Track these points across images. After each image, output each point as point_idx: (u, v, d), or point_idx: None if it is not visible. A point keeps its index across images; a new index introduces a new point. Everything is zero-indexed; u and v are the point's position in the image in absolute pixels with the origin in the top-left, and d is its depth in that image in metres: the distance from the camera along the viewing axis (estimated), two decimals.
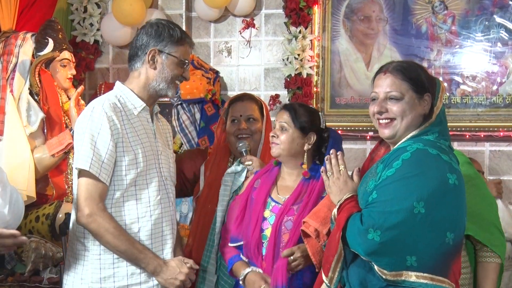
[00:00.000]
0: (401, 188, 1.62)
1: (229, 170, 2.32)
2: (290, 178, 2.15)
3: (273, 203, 2.11)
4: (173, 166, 2.17)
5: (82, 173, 1.92)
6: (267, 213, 2.09)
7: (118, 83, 2.09)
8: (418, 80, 1.77)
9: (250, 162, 2.29)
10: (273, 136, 2.12)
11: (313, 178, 2.11)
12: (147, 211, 1.99)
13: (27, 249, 2.80)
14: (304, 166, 2.12)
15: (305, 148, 2.12)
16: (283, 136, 2.11)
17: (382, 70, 1.82)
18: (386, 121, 1.77)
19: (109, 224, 1.91)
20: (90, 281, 1.96)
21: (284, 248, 2.02)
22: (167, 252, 2.04)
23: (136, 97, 2.03)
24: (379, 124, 1.79)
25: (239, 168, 2.31)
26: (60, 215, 2.81)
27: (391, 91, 1.76)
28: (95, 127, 1.93)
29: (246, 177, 2.29)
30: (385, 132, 1.78)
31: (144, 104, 2.04)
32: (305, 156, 2.12)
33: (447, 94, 3.51)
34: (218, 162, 2.46)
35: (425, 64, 3.53)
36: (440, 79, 3.49)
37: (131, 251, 1.93)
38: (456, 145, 3.53)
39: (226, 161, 2.47)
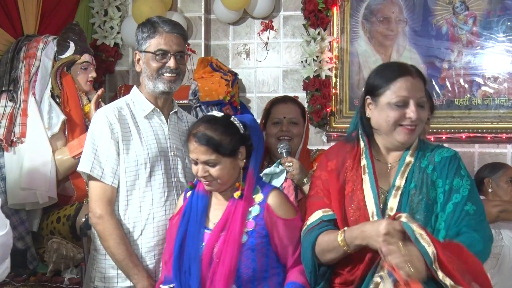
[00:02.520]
0: (478, 196, 1.75)
1: (266, 171, 2.25)
2: (222, 199, 1.90)
3: (205, 231, 1.86)
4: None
5: (89, 176, 1.99)
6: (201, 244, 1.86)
7: (134, 88, 2.14)
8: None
9: (290, 164, 2.24)
10: (203, 176, 1.82)
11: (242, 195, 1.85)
12: (150, 213, 2.02)
13: (48, 249, 2.86)
14: (237, 184, 1.86)
15: (241, 165, 1.87)
16: (215, 172, 1.81)
17: (407, 72, 1.73)
18: (413, 127, 1.74)
19: (114, 230, 1.95)
20: (96, 280, 2.03)
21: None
22: None
23: (146, 100, 2.07)
24: (403, 129, 1.73)
25: (277, 169, 2.25)
26: (81, 216, 2.84)
27: (422, 97, 1.72)
28: (96, 131, 1.98)
29: (286, 179, 2.24)
30: (409, 138, 1.74)
31: (153, 107, 2.06)
32: (241, 172, 1.87)
33: (468, 95, 3.46)
34: None
35: (445, 66, 3.49)
36: (461, 80, 3.48)
37: (126, 262, 1.96)
38: (477, 147, 3.48)
39: (261, 163, 2.45)
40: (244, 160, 1.87)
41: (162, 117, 2.09)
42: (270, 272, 1.83)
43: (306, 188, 2.26)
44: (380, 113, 1.73)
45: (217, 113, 1.89)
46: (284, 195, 1.92)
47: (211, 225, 1.85)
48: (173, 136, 2.11)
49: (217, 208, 1.87)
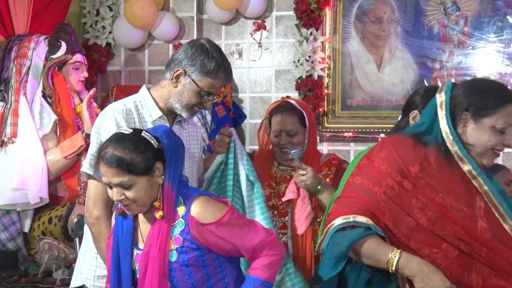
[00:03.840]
0: None
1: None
2: (145, 220, 1.80)
3: (136, 251, 1.79)
4: (191, 175, 2.11)
5: (90, 176, 1.96)
6: (135, 265, 1.79)
7: (143, 88, 2.08)
8: None
9: (304, 173, 2.20)
10: (120, 200, 1.71)
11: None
12: None
13: (40, 250, 2.86)
14: (157, 203, 1.72)
15: (160, 182, 1.73)
16: (131, 194, 1.69)
17: None
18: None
19: (109, 234, 1.91)
20: (86, 277, 2.03)
21: None
22: None
23: (155, 105, 2.03)
24: (494, 153, 1.76)
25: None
26: (73, 217, 2.84)
27: None
28: (104, 132, 1.94)
29: (299, 188, 2.22)
30: (493, 162, 1.81)
31: (161, 114, 2.03)
32: (160, 190, 1.73)
33: None
34: (263, 165, 2.40)
35: (437, 66, 3.50)
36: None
37: None
38: None
39: (271, 165, 2.42)
40: (163, 176, 1.73)
41: (167, 124, 2.05)
42: (213, 280, 1.76)
43: (321, 197, 2.22)
44: (479, 134, 1.73)
45: (126, 130, 1.76)
46: (207, 198, 1.76)
47: (142, 245, 1.77)
48: None
49: (145, 228, 1.78)
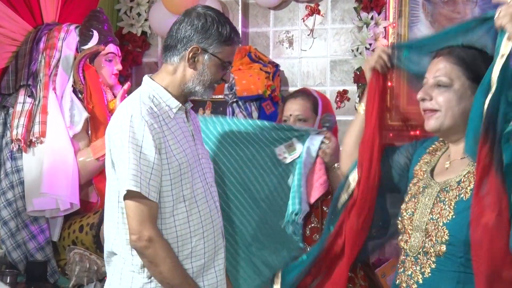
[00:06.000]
0: None
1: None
2: None
3: None
4: (212, 166, 2.07)
5: (130, 193, 1.77)
6: None
7: (147, 79, 1.94)
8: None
9: (327, 141, 2.26)
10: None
11: None
12: (199, 227, 1.88)
13: (70, 261, 2.75)
14: None
15: None
16: None
17: (438, 53, 1.75)
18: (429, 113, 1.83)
19: (168, 253, 1.81)
20: None
21: None
22: (218, 264, 1.96)
23: (171, 96, 1.90)
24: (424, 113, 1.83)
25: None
26: None
27: (438, 76, 1.72)
28: (138, 140, 1.79)
29: (318, 156, 2.25)
30: (428, 124, 1.82)
31: (180, 104, 1.91)
32: None
33: None
34: None
35: None
36: None
37: (184, 286, 1.84)
38: None
39: None
40: None
41: (184, 115, 1.94)
42: None
43: (331, 175, 2.27)
44: None
45: None
46: None
47: None
48: (196, 136, 1.98)
49: None
